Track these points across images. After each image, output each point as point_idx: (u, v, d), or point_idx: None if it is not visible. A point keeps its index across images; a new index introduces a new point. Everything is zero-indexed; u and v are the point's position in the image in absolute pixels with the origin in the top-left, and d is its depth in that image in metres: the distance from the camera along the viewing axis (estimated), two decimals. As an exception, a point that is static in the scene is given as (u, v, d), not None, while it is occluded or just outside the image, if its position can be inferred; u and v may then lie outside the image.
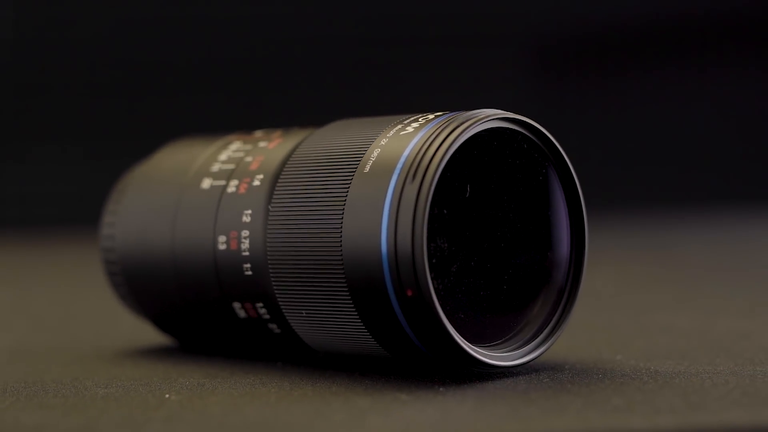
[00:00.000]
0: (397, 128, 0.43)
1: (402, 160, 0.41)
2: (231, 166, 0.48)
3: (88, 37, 1.59)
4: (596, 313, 0.64)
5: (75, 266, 1.11)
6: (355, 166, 0.42)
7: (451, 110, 0.44)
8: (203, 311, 0.48)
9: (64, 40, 1.58)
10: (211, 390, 0.43)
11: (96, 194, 0.83)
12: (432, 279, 0.40)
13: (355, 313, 0.42)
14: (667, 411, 0.37)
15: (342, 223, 0.41)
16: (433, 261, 0.41)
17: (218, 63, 1.61)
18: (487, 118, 0.42)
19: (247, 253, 0.45)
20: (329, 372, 0.45)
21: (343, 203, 0.42)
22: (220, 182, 0.48)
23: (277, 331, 0.46)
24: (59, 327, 0.69)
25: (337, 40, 1.62)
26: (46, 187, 1.55)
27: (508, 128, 0.42)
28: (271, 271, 0.44)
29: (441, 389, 0.41)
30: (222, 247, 0.46)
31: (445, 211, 0.41)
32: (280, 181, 0.45)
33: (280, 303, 0.44)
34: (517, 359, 0.43)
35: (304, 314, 0.44)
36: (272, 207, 0.45)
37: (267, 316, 0.46)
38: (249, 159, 0.47)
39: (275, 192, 0.45)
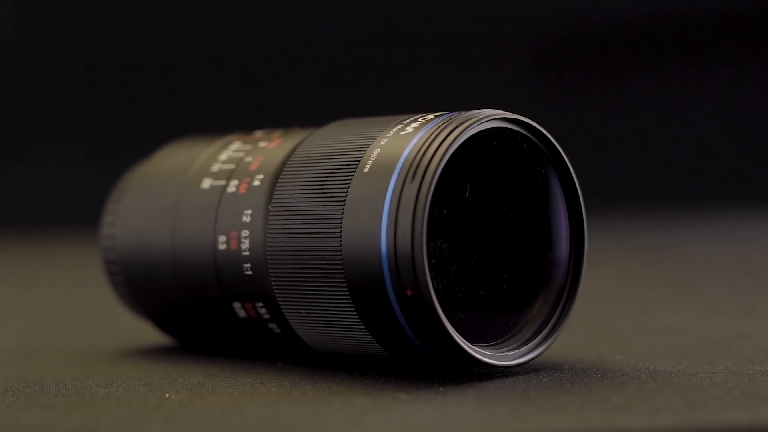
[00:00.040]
0: (396, 128, 0.43)
1: (402, 160, 0.41)
2: (231, 166, 0.48)
3: (89, 37, 1.59)
4: (596, 312, 0.64)
5: (75, 266, 1.11)
6: (355, 166, 0.42)
7: (451, 110, 0.44)
8: (203, 311, 0.49)
9: (64, 40, 1.58)
10: (211, 389, 0.43)
11: (96, 194, 0.83)
12: (431, 279, 0.40)
13: (355, 312, 0.42)
14: (666, 410, 0.37)
15: (342, 222, 0.42)
16: (433, 261, 0.41)
17: (218, 63, 1.61)
18: (487, 118, 0.42)
19: (247, 253, 0.45)
20: (329, 372, 0.45)
21: (342, 203, 0.42)
22: (220, 182, 0.48)
23: (277, 330, 0.46)
24: (59, 327, 0.69)
25: (337, 40, 1.62)
26: (46, 187, 1.55)
27: (507, 128, 0.43)
28: (271, 270, 0.44)
29: (441, 389, 0.41)
30: (222, 246, 0.46)
31: (444, 211, 0.41)
32: (280, 181, 0.45)
33: (280, 303, 0.45)
34: (516, 359, 0.43)
35: (304, 314, 0.44)
36: (272, 207, 0.45)
37: (267, 316, 0.46)
38: (249, 159, 0.47)
39: (275, 192, 0.45)
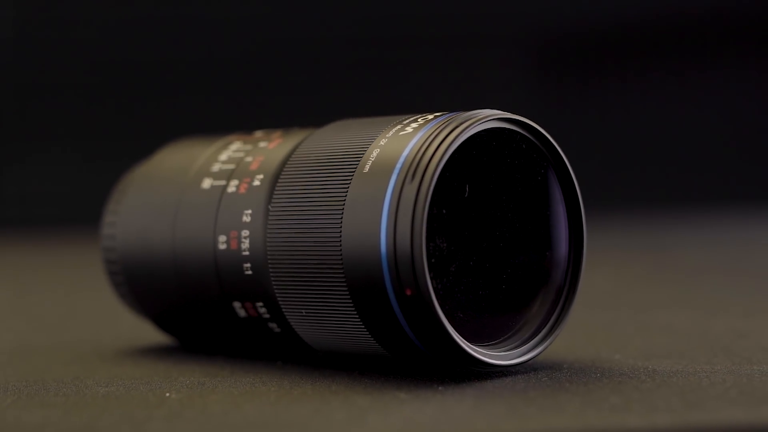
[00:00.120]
0: (396, 128, 0.43)
1: (401, 160, 0.41)
2: (231, 166, 0.48)
3: (89, 37, 1.59)
4: (595, 312, 0.64)
5: (76, 266, 1.11)
6: (355, 166, 0.42)
7: (451, 110, 0.44)
8: (203, 310, 0.49)
9: (64, 41, 1.58)
10: (211, 389, 0.43)
11: (96, 194, 0.83)
12: (431, 278, 0.40)
13: (355, 312, 0.42)
14: (664, 410, 0.37)
15: (342, 222, 0.42)
16: (432, 260, 0.41)
17: (218, 63, 1.61)
18: (486, 118, 0.42)
19: (247, 253, 0.46)
20: (329, 371, 0.45)
21: (342, 203, 0.42)
22: (220, 182, 0.48)
23: (277, 330, 0.46)
24: (60, 326, 0.69)
25: (337, 40, 1.62)
26: (46, 187, 1.55)
27: (506, 128, 0.43)
28: (271, 270, 0.44)
29: (440, 388, 0.41)
30: (222, 246, 0.47)
31: (444, 211, 0.42)
32: (280, 181, 0.45)
33: (280, 302, 0.45)
34: (515, 358, 0.43)
35: (304, 313, 0.44)
36: (272, 207, 0.45)
37: (267, 316, 0.46)
38: (249, 159, 0.48)
39: (275, 192, 0.45)
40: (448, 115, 0.43)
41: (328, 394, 0.41)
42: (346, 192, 0.42)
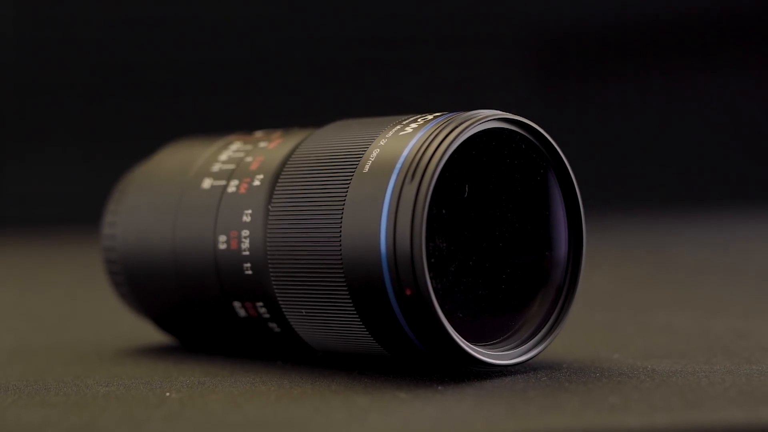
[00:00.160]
0: (396, 129, 0.43)
1: (401, 160, 0.41)
2: (231, 166, 0.48)
3: (89, 37, 1.59)
4: (594, 312, 0.64)
5: (76, 266, 1.12)
6: (355, 166, 0.42)
7: (451, 110, 0.44)
8: (204, 310, 0.49)
9: (64, 40, 1.58)
10: (211, 388, 0.43)
11: (97, 194, 0.83)
12: (431, 278, 0.40)
13: (355, 312, 0.42)
14: (663, 409, 0.37)
15: (341, 222, 0.42)
16: (432, 260, 0.41)
17: (218, 63, 1.61)
18: (486, 118, 0.42)
19: (247, 253, 0.46)
20: (329, 371, 0.45)
21: (342, 203, 0.42)
22: (220, 182, 0.48)
23: (277, 330, 0.46)
24: (60, 326, 0.69)
25: (337, 40, 1.62)
26: (46, 187, 1.55)
27: (506, 129, 0.43)
28: (271, 270, 0.44)
29: (440, 388, 0.41)
30: (222, 246, 0.47)
31: (443, 211, 0.42)
32: (280, 181, 0.45)
33: (280, 302, 0.45)
34: (515, 358, 0.43)
35: (304, 313, 0.44)
36: (272, 207, 0.45)
37: (267, 315, 0.46)
38: (249, 159, 0.48)
39: (275, 192, 0.45)
40: (447, 116, 0.43)
41: (327, 393, 0.41)
42: (346, 192, 0.42)
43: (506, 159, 0.43)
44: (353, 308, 0.42)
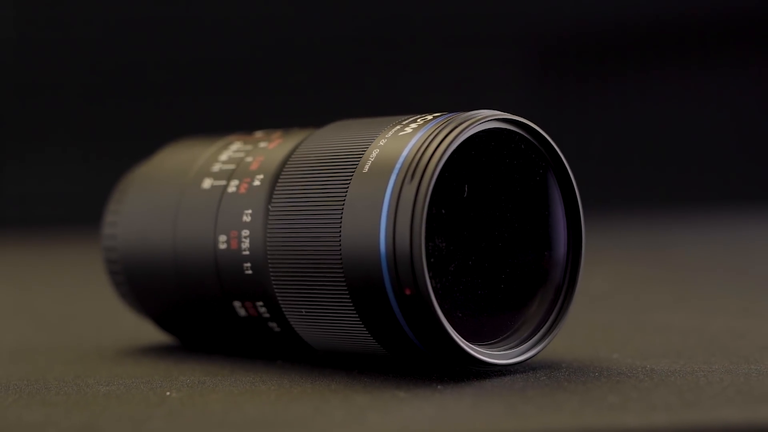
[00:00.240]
0: (395, 129, 0.43)
1: (401, 160, 0.41)
2: (231, 166, 0.48)
3: (89, 37, 1.59)
4: (593, 312, 0.64)
5: (76, 265, 1.12)
6: (355, 166, 0.42)
7: (450, 110, 0.44)
8: (204, 310, 0.49)
9: (64, 40, 1.58)
10: (211, 388, 0.43)
11: (97, 194, 0.83)
12: (430, 278, 0.40)
13: (354, 311, 0.42)
14: (662, 408, 0.37)
15: (341, 222, 0.42)
16: (432, 260, 0.41)
17: (218, 63, 1.61)
18: (485, 118, 0.42)
19: (247, 253, 0.46)
20: (328, 370, 0.45)
21: (342, 203, 0.42)
22: (220, 182, 0.48)
23: (277, 329, 0.47)
24: (61, 326, 0.69)
25: (337, 40, 1.62)
26: (47, 187, 1.55)
27: (505, 129, 0.43)
28: (271, 270, 0.45)
29: (439, 387, 0.41)
30: (222, 246, 0.47)
31: (443, 211, 0.42)
32: (280, 181, 0.45)
33: (280, 302, 0.45)
34: (514, 357, 0.43)
35: (304, 313, 0.44)
36: (272, 207, 0.45)
37: (267, 315, 0.46)
38: (249, 159, 0.48)
39: (275, 192, 0.45)
40: (447, 116, 0.43)
41: (327, 392, 0.41)
42: (346, 192, 0.42)
43: (506, 159, 0.43)
44: (353, 308, 0.42)
